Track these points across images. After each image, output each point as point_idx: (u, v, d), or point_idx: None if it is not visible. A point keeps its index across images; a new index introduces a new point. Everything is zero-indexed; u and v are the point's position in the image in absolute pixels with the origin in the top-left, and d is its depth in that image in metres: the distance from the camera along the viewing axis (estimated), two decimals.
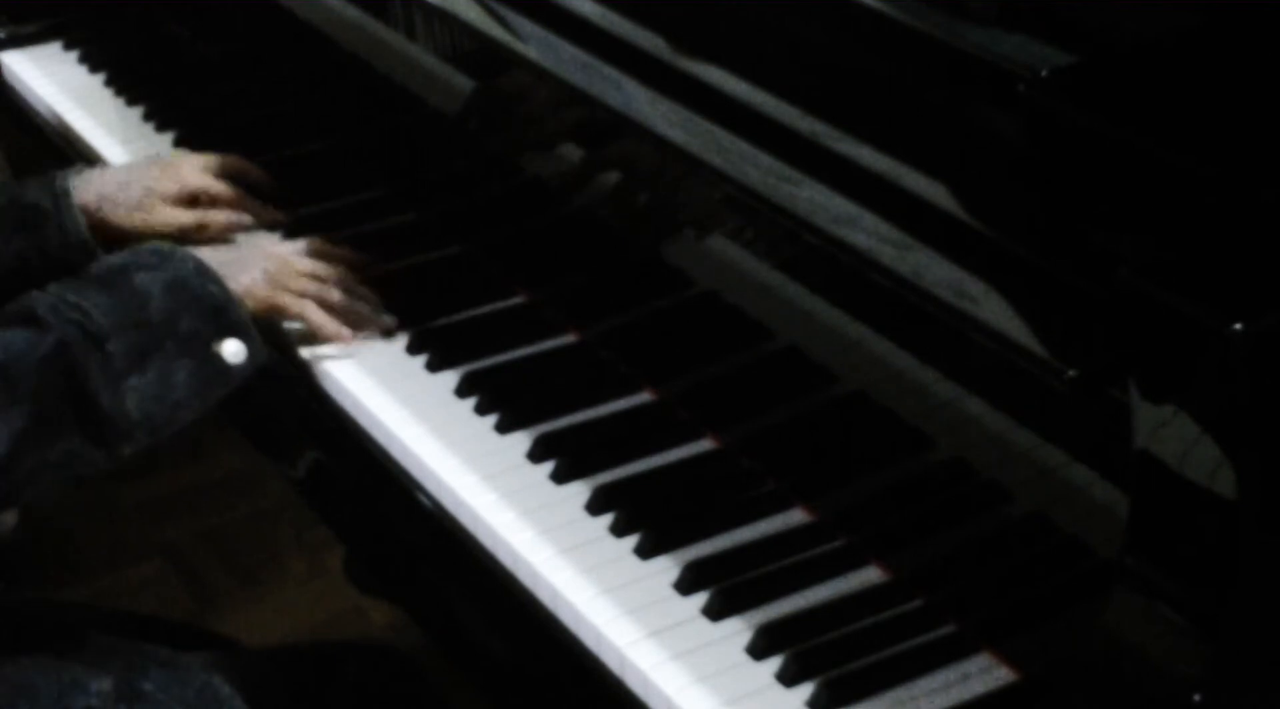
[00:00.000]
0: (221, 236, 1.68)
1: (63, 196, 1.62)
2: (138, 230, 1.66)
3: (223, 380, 1.42)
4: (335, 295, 1.54)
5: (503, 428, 1.44)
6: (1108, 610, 1.00)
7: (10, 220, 1.62)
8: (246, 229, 1.71)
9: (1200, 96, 1.05)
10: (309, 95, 1.96)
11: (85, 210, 1.63)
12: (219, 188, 1.72)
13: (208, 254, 1.47)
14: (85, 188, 1.65)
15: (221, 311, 1.42)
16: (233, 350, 1.42)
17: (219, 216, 1.69)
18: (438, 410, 1.47)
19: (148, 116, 1.98)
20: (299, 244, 1.58)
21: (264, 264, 1.51)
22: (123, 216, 1.66)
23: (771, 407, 1.39)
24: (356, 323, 1.55)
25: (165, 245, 1.47)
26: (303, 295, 1.53)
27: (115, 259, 1.44)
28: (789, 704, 1.18)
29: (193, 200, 1.70)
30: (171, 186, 1.69)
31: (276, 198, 1.76)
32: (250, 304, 1.48)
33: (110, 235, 1.66)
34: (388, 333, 1.56)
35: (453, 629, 1.44)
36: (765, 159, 1.22)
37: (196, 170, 1.72)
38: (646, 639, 1.23)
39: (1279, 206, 0.96)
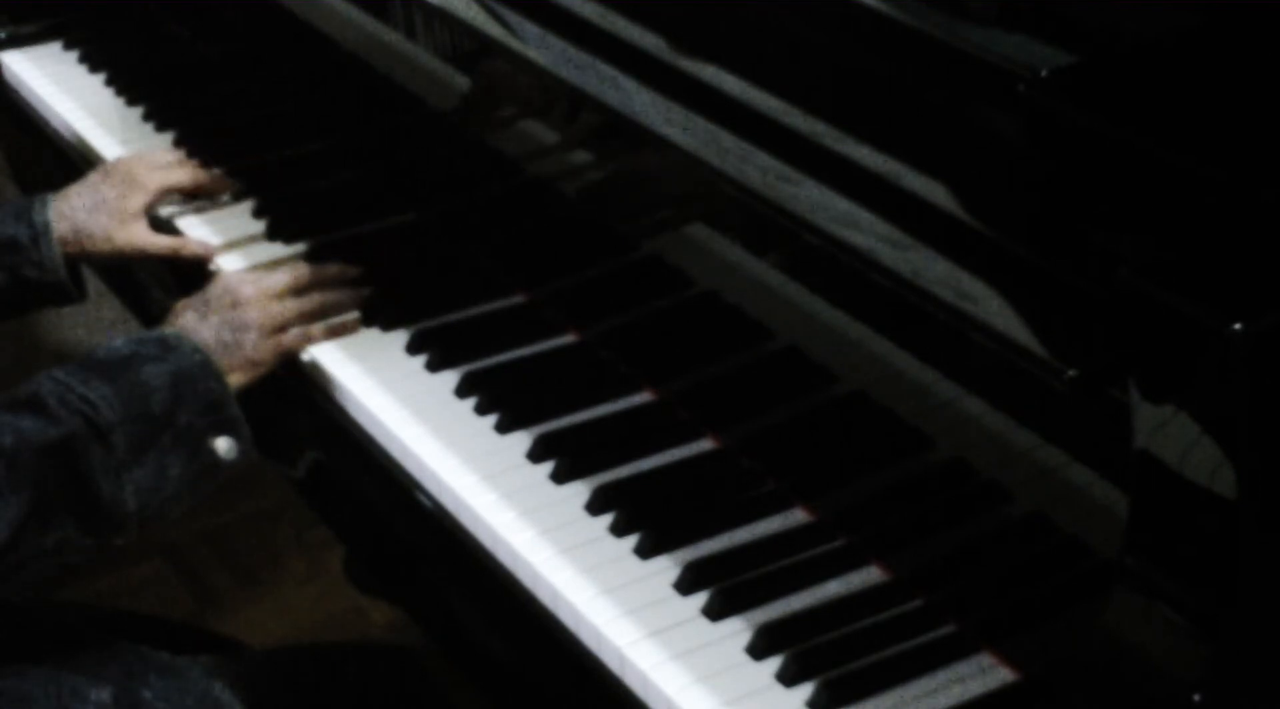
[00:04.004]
0: (195, 261, 1.70)
1: (43, 233, 1.63)
2: (120, 254, 1.68)
3: (213, 475, 1.44)
4: (318, 300, 1.57)
5: (503, 428, 1.44)
6: (1108, 610, 1.00)
7: None
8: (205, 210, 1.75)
9: (1200, 96, 1.05)
10: (309, 95, 1.96)
11: (63, 242, 1.64)
12: (180, 178, 1.74)
13: (203, 330, 1.48)
14: (61, 221, 1.65)
15: (217, 408, 1.43)
16: (225, 448, 1.43)
17: (193, 248, 1.70)
18: (438, 410, 1.47)
19: (148, 116, 1.98)
20: (265, 277, 1.57)
21: (250, 318, 1.51)
22: (101, 245, 1.67)
23: (771, 407, 1.39)
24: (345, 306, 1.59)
25: (171, 334, 1.46)
26: (300, 316, 1.55)
27: (123, 346, 1.44)
28: (789, 704, 1.18)
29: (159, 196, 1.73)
30: (139, 199, 1.69)
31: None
32: (263, 370, 1.50)
33: (91, 260, 1.69)
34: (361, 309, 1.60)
35: (453, 629, 1.44)
36: (765, 159, 1.22)
37: (154, 170, 1.73)
38: (646, 639, 1.23)
39: (1279, 206, 0.96)
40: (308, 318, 1.56)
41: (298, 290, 1.56)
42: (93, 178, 1.73)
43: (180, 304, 1.54)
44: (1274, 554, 0.95)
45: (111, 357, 1.42)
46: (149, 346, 1.44)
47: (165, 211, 1.75)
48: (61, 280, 1.65)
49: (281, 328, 1.53)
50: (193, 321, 1.49)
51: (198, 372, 1.43)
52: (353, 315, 1.58)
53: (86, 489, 1.35)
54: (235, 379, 1.47)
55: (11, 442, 1.32)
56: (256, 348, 1.50)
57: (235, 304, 1.51)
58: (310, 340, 1.55)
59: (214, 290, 1.53)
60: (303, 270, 1.59)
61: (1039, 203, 1.08)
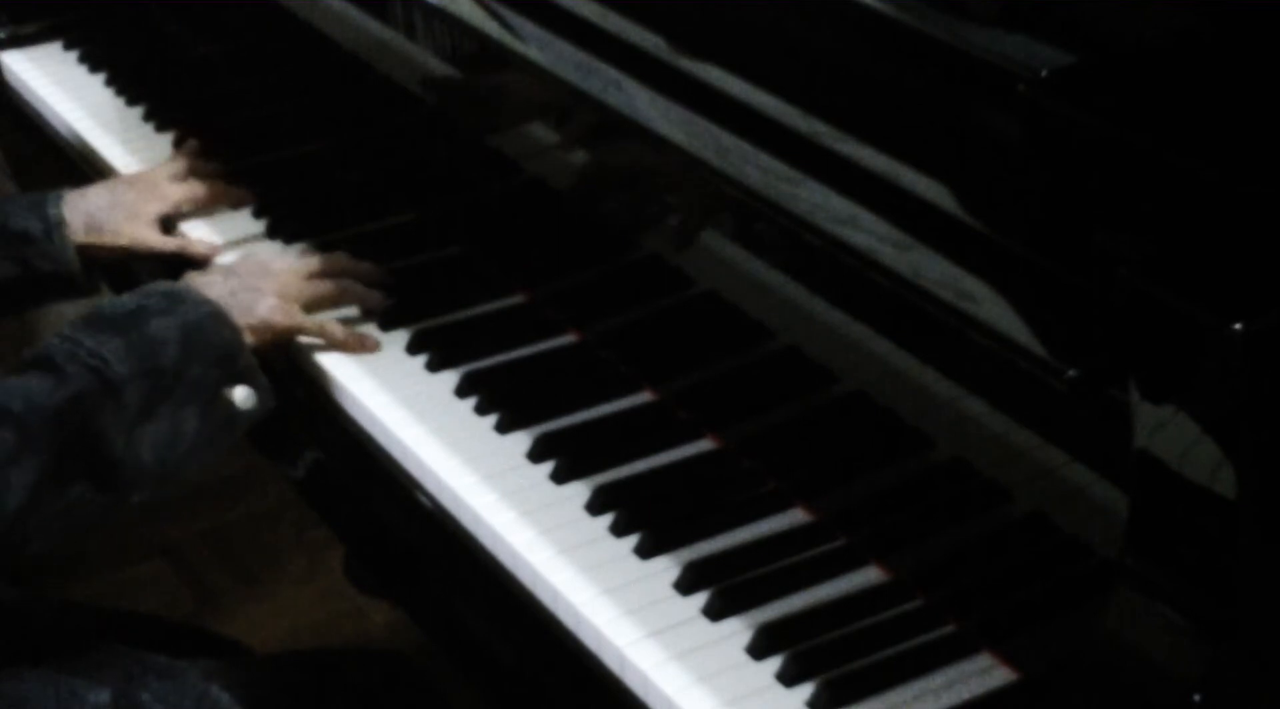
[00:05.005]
0: (205, 260, 1.70)
1: (56, 227, 1.64)
2: (127, 251, 1.69)
3: (231, 427, 1.43)
4: (342, 287, 1.56)
5: (503, 428, 1.44)
6: (1108, 610, 1.00)
7: None
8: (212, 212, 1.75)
9: (1200, 96, 1.05)
10: (309, 95, 1.96)
11: (73, 234, 1.65)
12: (198, 192, 1.75)
13: (218, 286, 1.47)
14: (74, 215, 1.66)
15: (231, 359, 1.42)
16: (242, 397, 1.43)
17: (198, 247, 1.71)
18: (438, 410, 1.47)
19: (148, 116, 1.98)
20: (298, 256, 1.57)
21: (273, 286, 1.51)
22: (109, 239, 1.68)
23: (771, 407, 1.39)
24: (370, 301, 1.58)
25: (179, 286, 1.46)
26: (319, 300, 1.54)
27: (128, 300, 1.43)
28: (789, 704, 1.18)
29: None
30: (156, 207, 1.71)
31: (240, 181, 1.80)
32: (269, 335, 1.49)
33: (94, 256, 1.69)
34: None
35: (453, 629, 1.44)
36: (765, 159, 1.22)
37: (171, 182, 1.74)
38: (646, 639, 1.23)
39: (1279, 206, 0.96)
40: (328, 301, 1.55)
41: (327, 275, 1.56)
42: (114, 181, 1.76)
43: (205, 270, 1.54)
44: (1274, 554, 0.95)
45: (119, 310, 1.41)
46: (155, 299, 1.43)
47: None
48: (75, 273, 1.66)
49: (300, 304, 1.53)
50: (210, 282, 1.49)
51: (207, 322, 1.42)
52: (369, 342, 1.56)
53: (100, 446, 1.34)
54: (249, 337, 1.46)
55: (21, 406, 1.31)
56: (272, 311, 1.49)
57: (264, 274, 1.51)
58: (324, 332, 1.53)
59: (245, 260, 1.54)
60: (338, 260, 1.59)
61: (1039, 203, 1.08)
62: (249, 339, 1.47)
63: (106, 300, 1.44)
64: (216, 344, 1.41)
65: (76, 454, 1.33)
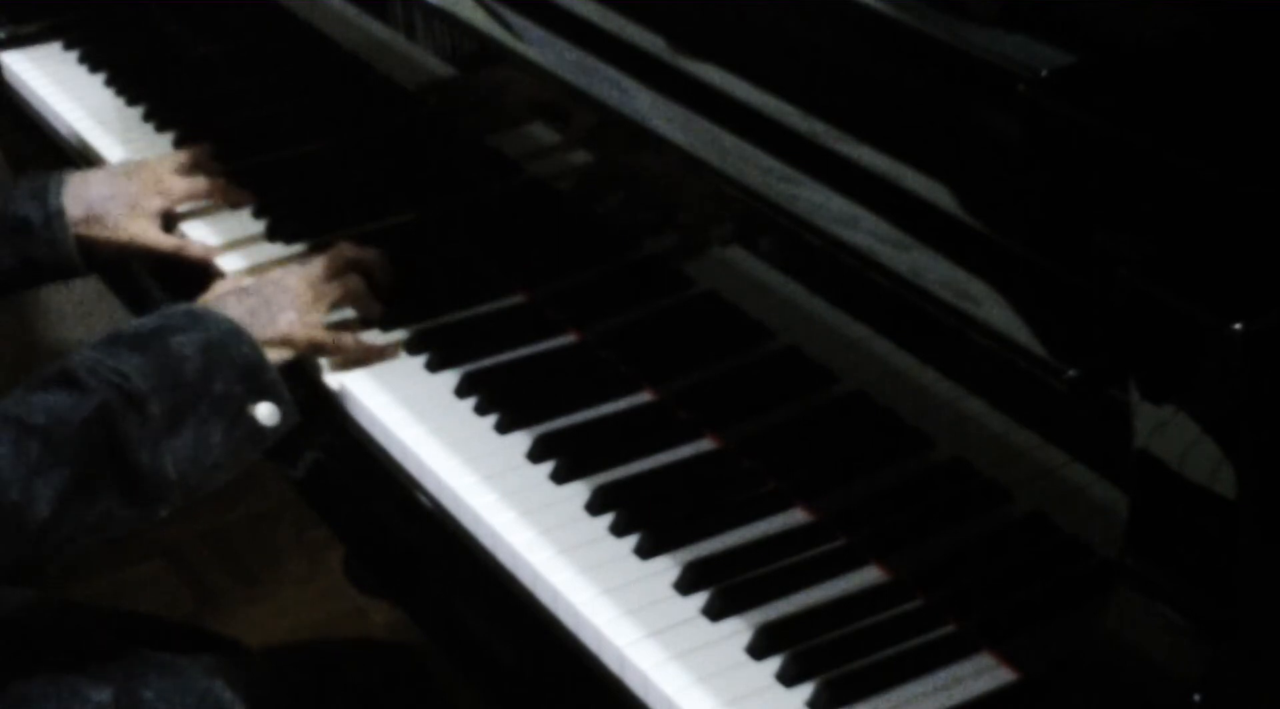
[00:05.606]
0: (202, 261, 1.69)
1: (56, 217, 1.64)
2: (125, 246, 1.69)
3: (257, 442, 1.43)
4: (355, 283, 1.56)
5: (503, 428, 1.44)
6: (1108, 610, 1.00)
7: None
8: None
9: (1200, 97, 1.05)
10: (309, 95, 1.96)
11: (73, 223, 1.66)
12: (198, 187, 1.75)
13: (236, 305, 1.47)
14: (74, 205, 1.66)
15: (254, 374, 1.42)
16: (266, 413, 1.42)
17: (195, 249, 1.71)
18: (438, 410, 1.47)
19: (148, 116, 1.98)
20: (311, 266, 1.56)
21: (289, 301, 1.50)
22: (109, 232, 1.68)
23: (771, 407, 1.39)
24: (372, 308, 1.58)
25: (198, 306, 1.46)
26: (334, 303, 1.54)
27: (148, 321, 1.43)
28: (789, 704, 1.18)
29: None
30: (158, 202, 1.71)
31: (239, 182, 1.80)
32: (289, 351, 1.49)
33: (92, 248, 1.69)
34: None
35: (453, 629, 1.44)
36: (765, 159, 1.22)
37: (173, 176, 1.74)
38: (646, 639, 1.23)
39: (1279, 206, 0.96)
40: (343, 301, 1.55)
41: (337, 274, 1.56)
42: (117, 170, 1.75)
43: (222, 284, 1.54)
44: (1274, 554, 0.95)
45: (139, 330, 1.41)
46: (175, 319, 1.43)
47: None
48: (73, 263, 1.66)
49: (319, 312, 1.53)
50: (227, 302, 1.49)
51: (229, 339, 1.42)
52: (391, 345, 1.56)
53: (126, 460, 1.34)
54: (270, 354, 1.46)
55: (45, 419, 1.31)
56: (291, 327, 1.48)
57: (280, 289, 1.51)
58: (341, 348, 1.52)
59: (260, 280, 1.54)
60: (344, 252, 1.58)
61: (1039, 203, 1.08)
62: (271, 356, 1.47)
63: (125, 323, 1.44)
64: (238, 360, 1.41)
65: (103, 467, 1.33)
